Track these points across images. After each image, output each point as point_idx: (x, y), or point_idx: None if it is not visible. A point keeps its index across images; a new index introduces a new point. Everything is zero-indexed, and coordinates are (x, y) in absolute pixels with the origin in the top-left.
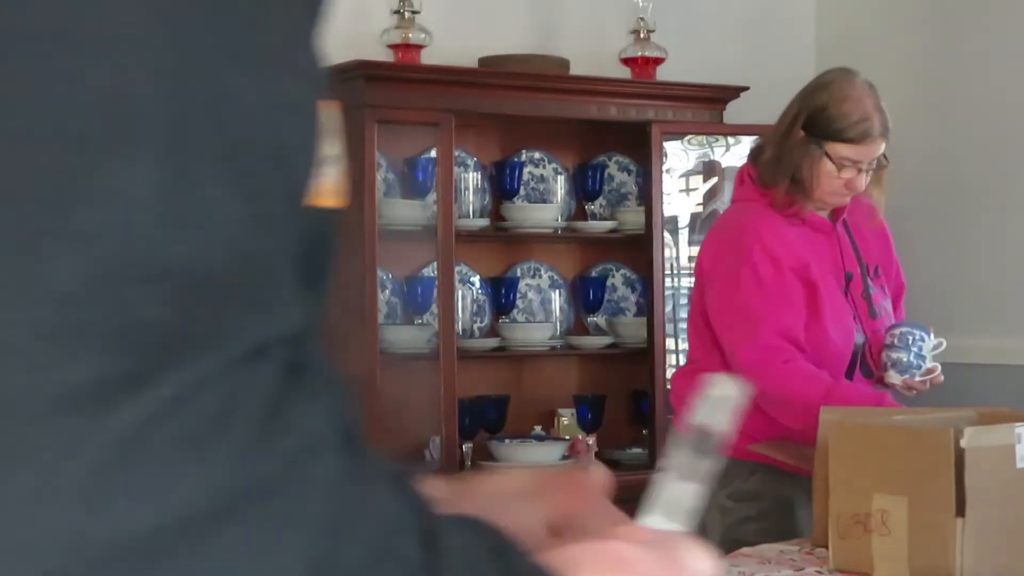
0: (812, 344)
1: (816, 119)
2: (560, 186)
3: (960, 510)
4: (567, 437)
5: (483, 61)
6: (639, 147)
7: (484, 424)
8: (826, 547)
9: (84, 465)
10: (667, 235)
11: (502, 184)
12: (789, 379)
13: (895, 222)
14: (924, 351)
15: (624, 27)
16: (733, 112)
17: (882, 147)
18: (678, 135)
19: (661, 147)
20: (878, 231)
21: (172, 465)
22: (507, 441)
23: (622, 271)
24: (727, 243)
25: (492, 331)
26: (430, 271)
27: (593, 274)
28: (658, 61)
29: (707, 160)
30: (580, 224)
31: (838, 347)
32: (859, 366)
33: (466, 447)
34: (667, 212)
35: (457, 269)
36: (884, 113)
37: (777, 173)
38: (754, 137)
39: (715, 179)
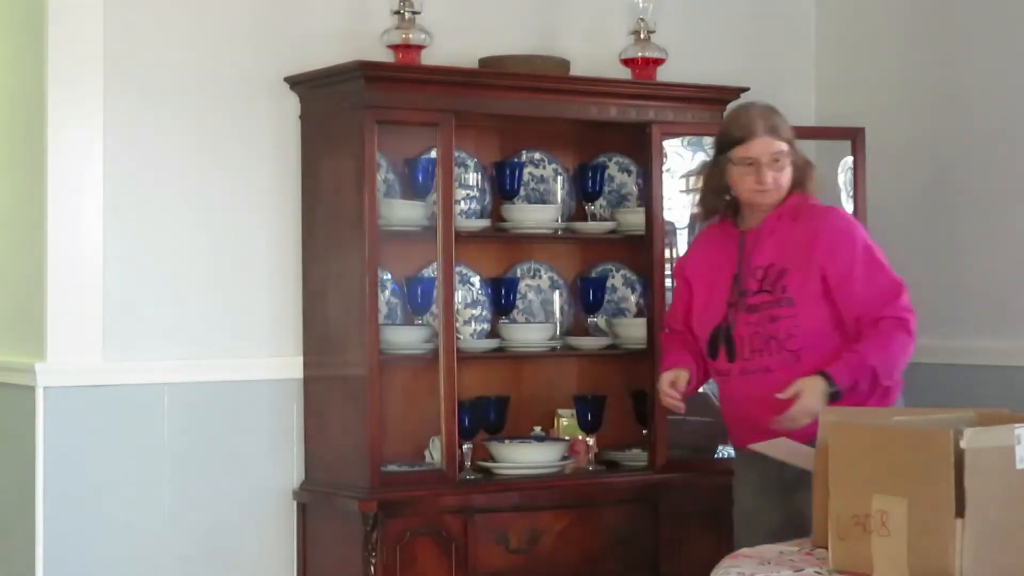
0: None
1: (718, 141)
2: (560, 187)
3: (960, 511)
4: (567, 437)
5: (483, 61)
6: (639, 148)
7: (484, 424)
8: (826, 548)
9: None
10: (667, 236)
11: (502, 184)
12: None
13: (894, 223)
14: None
15: (624, 28)
16: None
17: (772, 144)
18: (678, 136)
19: (661, 148)
20: (806, 237)
21: None
22: (507, 441)
23: (622, 272)
24: None
25: (492, 332)
26: (430, 271)
27: (593, 275)
28: (658, 62)
29: (707, 161)
30: (580, 225)
31: (700, 330)
32: (722, 346)
33: (466, 447)
34: (667, 213)
35: (457, 270)
36: (770, 120)
37: (707, 194)
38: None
39: None
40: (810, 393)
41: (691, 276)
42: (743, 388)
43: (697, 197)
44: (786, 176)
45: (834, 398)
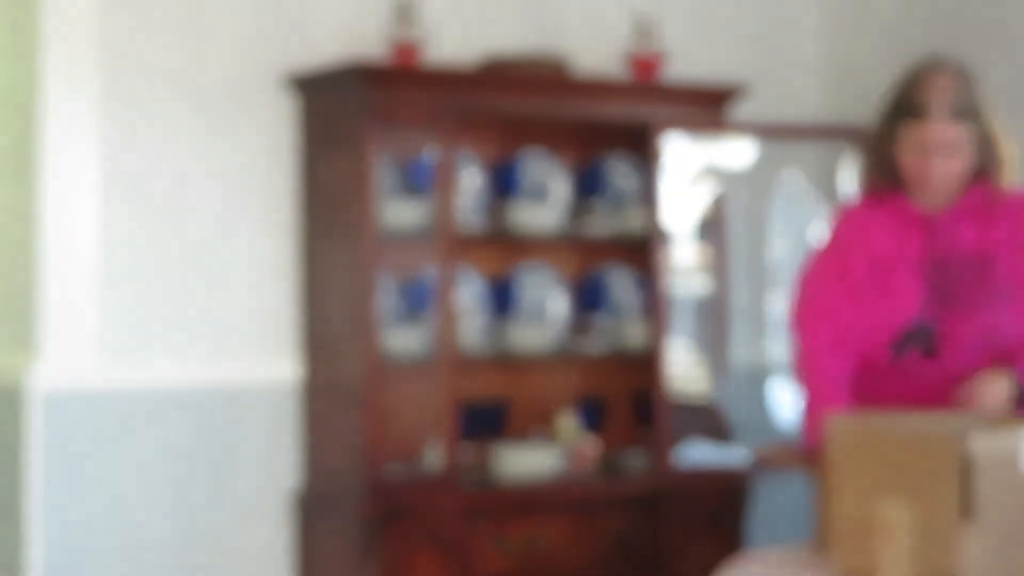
0: (860, 318)
1: (894, 100)
2: (560, 187)
3: (965, 515)
4: (568, 441)
5: (483, 61)
6: (640, 147)
7: (484, 427)
8: (830, 552)
9: None
10: (667, 236)
11: (502, 185)
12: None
13: None
14: None
15: (625, 27)
16: (733, 113)
17: (948, 131)
18: (679, 135)
19: (662, 147)
20: (1012, 222)
21: None
22: (507, 445)
23: (623, 272)
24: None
25: (492, 333)
26: (430, 272)
27: (593, 276)
28: (659, 62)
29: (708, 161)
30: (580, 225)
31: (884, 326)
32: (918, 345)
33: (466, 451)
34: (667, 213)
35: (457, 270)
36: (957, 99)
37: (870, 154)
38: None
39: (715, 179)
40: (993, 386)
41: (869, 263)
42: (942, 391)
43: (864, 165)
44: (957, 166)
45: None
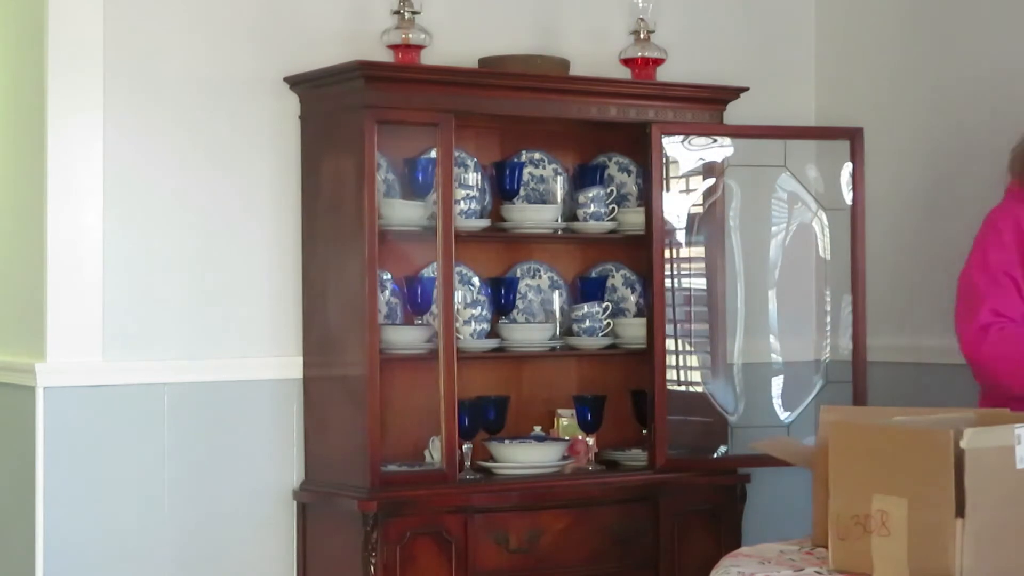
0: None
1: None
2: (560, 186)
3: (960, 511)
4: (567, 438)
5: (483, 61)
6: (639, 147)
7: (484, 424)
8: (826, 547)
9: None
10: (667, 235)
11: (502, 184)
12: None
13: (894, 223)
14: None
15: (624, 28)
16: (733, 113)
17: None
18: (678, 135)
19: (661, 147)
20: None
21: None
22: (507, 441)
23: (622, 271)
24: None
25: (492, 332)
26: (430, 271)
27: (593, 274)
28: (658, 62)
29: (707, 160)
30: (580, 225)
31: None
32: None
33: (466, 447)
34: (667, 212)
35: (457, 269)
36: None
37: None
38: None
39: (714, 179)
40: None
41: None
42: None
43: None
44: None
45: None
